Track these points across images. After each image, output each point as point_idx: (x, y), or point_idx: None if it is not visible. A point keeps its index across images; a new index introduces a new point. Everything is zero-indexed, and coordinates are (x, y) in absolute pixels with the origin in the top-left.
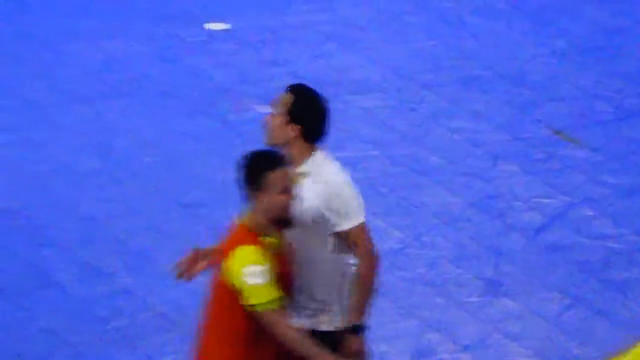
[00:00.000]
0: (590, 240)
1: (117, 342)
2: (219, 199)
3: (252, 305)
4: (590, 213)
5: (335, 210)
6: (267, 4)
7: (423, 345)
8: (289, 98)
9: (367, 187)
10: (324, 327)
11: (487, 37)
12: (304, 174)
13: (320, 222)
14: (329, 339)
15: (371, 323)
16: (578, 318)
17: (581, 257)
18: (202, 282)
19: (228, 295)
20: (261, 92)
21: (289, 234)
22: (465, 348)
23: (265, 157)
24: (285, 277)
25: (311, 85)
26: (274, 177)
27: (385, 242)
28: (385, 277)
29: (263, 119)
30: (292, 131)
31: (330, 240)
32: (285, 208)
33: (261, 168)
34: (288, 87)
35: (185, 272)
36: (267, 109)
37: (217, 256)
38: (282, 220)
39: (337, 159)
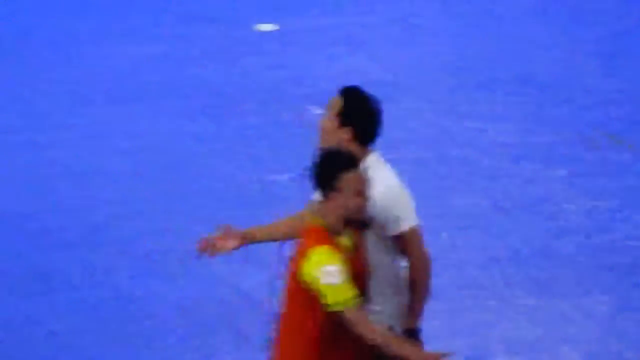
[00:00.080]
0: None
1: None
2: (267, 199)
3: (331, 305)
4: None
5: (389, 214)
6: (319, 6)
7: (475, 347)
8: (339, 101)
9: (419, 188)
10: None
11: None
12: None
13: (374, 225)
14: None
15: (424, 325)
16: (630, 321)
17: (632, 260)
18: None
19: (303, 296)
20: (312, 92)
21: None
22: (517, 351)
23: (339, 157)
24: (359, 278)
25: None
26: (348, 178)
27: (437, 243)
28: (438, 279)
29: (317, 123)
30: (345, 134)
31: (384, 244)
32: (359, 210)
33: (335, 169)
34: (339, 90)
35: (211, 248)
36: (320, 111)
37: (291, 257)
38: (356, 222)
39: (389, 160)
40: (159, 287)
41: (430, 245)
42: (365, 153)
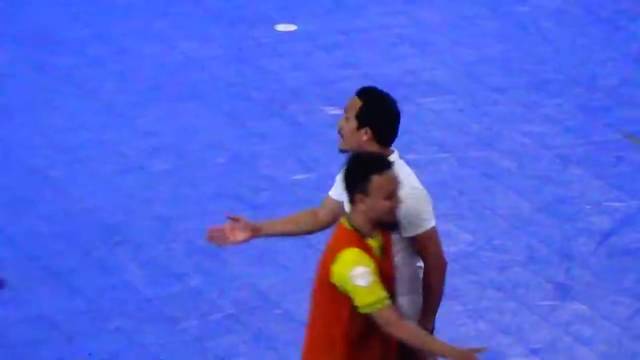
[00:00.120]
0: None
1: (186, 342)
2: (288, 200)
3: (362, 307)
4: None
5: (412, 215)
6: (341, 7)
7: (493, 348)
8: (357, 102)
9: (437, 190)
10: None
11: (559, 41)
12: None
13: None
14: None
15: (442, 326)
16: None
17: None
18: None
19: (330, 299)
20: (332, 94)
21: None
22: (535, 352)
23: (371, 160)
24: (387, 280)
25: (382, 87)
26: (379, 181)
27: (455, 245)
28: (456, 281)
29: (337, 125)
30: (364, 135)
31: (402, 244)
32: (389, 212)
33: (367, 171)
34: (356, 91)
35: (222, 239)
36: (338, 111)
37: (320, 260)
38: (386, 224)
39: (408, 161)
40: (174, 287)
41: (448, 247)
42: (387, 152)
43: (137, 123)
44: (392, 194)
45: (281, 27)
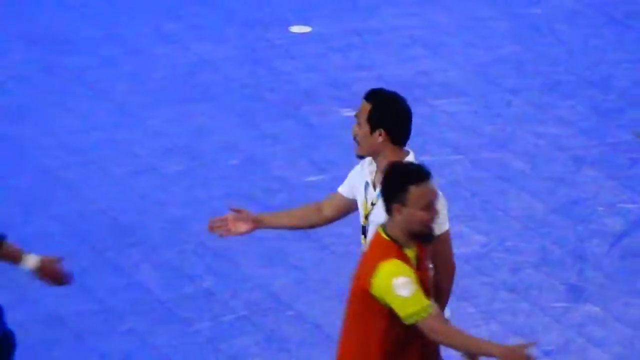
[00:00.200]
0: None
1: (199, 344)
2: (301, 201)
3: (406, 317)
4: None
5: None
6: (355, 9)
7: None
8: (367, 106)
9: (451, 191)
10: None
11: (572, 42)
12: None
13: None
14: None
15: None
16: None
17: None
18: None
19: (369, 309)
20: (346, 95)
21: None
22: (548, 353)
23: (409, 170)
24: (424, 291)
25: (396, 89)
26: (417, 191)
27: (468, 246)
28: (468, 282)
29: (352, 132)
30: (379, 137)
31: None
32: (427, 224)
33: (405, 182)
34: (364, 95)
35: (224, 229)
36: (352, 113)
37: (355, 271)
38: (422, 236)
39: (422, 163)
40: (187, 288)
41: (461, 249)
42: (402, 154)
43: (149, 124)
44: (429, 205)
45: (295, 29)
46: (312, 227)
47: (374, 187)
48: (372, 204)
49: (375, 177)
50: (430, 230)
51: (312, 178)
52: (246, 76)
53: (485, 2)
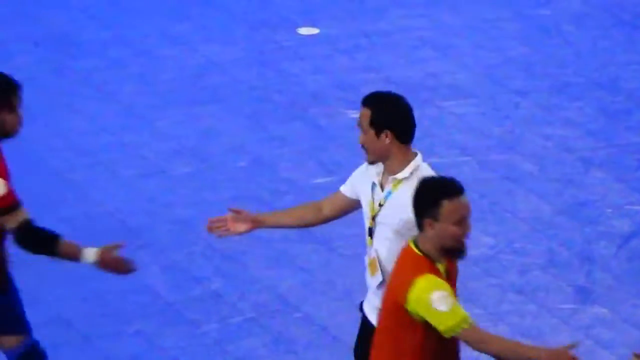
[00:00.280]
0: None
1: (207, 346)
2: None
3: (445, 331)
4: None
5: None
6: (363, 10)
7: None
8: (366, 112)
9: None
10: None
11: (581, 44)
12: (400, 180)
13: (410, 227)
14: None
15: None
16: None
17: None
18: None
19: (403, 324)
20: (354, 97)
21: (378, 243)
22: None
23: (442, 184)
24: None
25: (404, 91)
26: (450, 206)
27: (476, 248)
28: (476, 284)
29: (359, 142)
30: (386, 138)
31: None
32: (459, 239)
33: (437, 196)
34: (362, 102)
35: (222, 230)
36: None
37: (389, 284)
38: (453, 251)
39: (430, 164)
40: (195, 290)
41: (469, 251)
42: (411, 153)
43: (157, 126)
44: (462, 220)
45: (303, 31)
46: (311, 226)
47: (382, 188)
48: (380, 205)
49: (382, 178)
50: (462, 245)
51: (320, 180)
52: (254, 78)
53: (493, 4)
